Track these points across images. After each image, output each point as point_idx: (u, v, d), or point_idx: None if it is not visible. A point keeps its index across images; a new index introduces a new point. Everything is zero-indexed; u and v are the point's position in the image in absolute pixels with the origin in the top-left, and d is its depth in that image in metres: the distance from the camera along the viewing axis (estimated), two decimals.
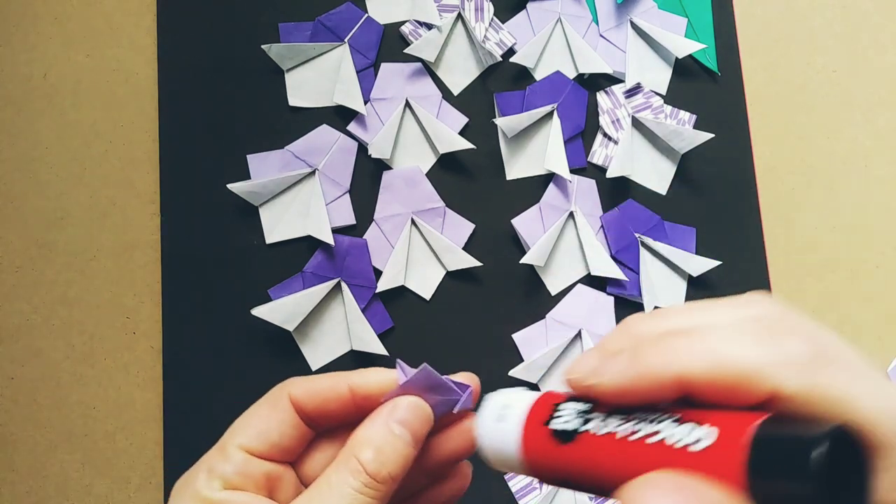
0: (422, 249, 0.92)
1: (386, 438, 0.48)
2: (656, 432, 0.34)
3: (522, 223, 0.92)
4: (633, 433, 0.35)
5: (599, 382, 0.38)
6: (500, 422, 0.45)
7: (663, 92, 0.97)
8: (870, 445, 0.31)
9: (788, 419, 0.31)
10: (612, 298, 0.93)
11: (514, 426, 0.44)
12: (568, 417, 0.40)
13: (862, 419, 0.31)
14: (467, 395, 0.50)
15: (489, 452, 0.46)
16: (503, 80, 0.95)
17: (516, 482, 0.89)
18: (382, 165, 0.92)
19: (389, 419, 0.48)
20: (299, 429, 0.52)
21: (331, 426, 0.53)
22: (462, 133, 0.93)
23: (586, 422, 0.39)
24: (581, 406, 0.40)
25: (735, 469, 0.31)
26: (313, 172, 0.91)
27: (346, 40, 0.92)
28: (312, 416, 0.52)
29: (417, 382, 0.49)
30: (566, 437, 0.39)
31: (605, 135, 0.95)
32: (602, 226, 0.94)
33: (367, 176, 0.92)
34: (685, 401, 0.35)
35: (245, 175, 0.90)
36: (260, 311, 0.85)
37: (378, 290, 0.89)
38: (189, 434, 0.89)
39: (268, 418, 0.52)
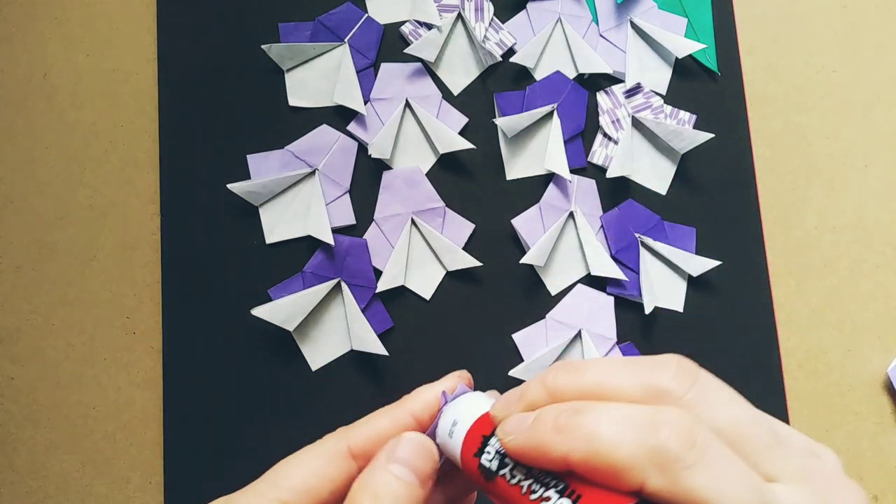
0: (422, 249, 0.92)
1: (384, 482, 0.46)
2: (547, 498, 0.39)
3: (522, 223, 0.92)
4: (532, 491, 0.40)
5: (503, 441, 0.42)
6: (450, 437, 0.46)
7: (663, 92, 0.97)
8: None
9: None
10: (612, 298, 0.93)
11: (457, 449, 0.47)
12: (490, 456, 0.44)
13: None
14: None
15: (449, 460, 0.48)
16: (503, 80, 0.95)
17: None
18: (382, 165, 0.92)
19: (388, 461, 0.47)
20: (350, 484, 0.49)
21: None
22: (462, 133, 0.93)
23: (503, 465, 0.42)
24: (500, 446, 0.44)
25: None
26: (313, 172, 0.91)
27: (346, 40, 0.92)
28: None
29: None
30: (488, 475, 0.43)
31: (605, 135, 0.95)
32: (602, 226, 0.94)
33: (367, 176, 0.92)
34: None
35: (245, 175, 0.91)
36: (260, 312, 0.85)
37: (378, 290, 0.89)
38: (189, 434, 0.89)
39: (320, 473, 0.49)
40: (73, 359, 0.90)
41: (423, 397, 0.51)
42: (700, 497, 0.33)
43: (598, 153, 0.94)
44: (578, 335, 0.92)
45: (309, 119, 0.92)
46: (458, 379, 0.53)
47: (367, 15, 0.93)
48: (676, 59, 0.97)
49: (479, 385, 0.89)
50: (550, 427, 0.39)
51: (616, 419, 0.37)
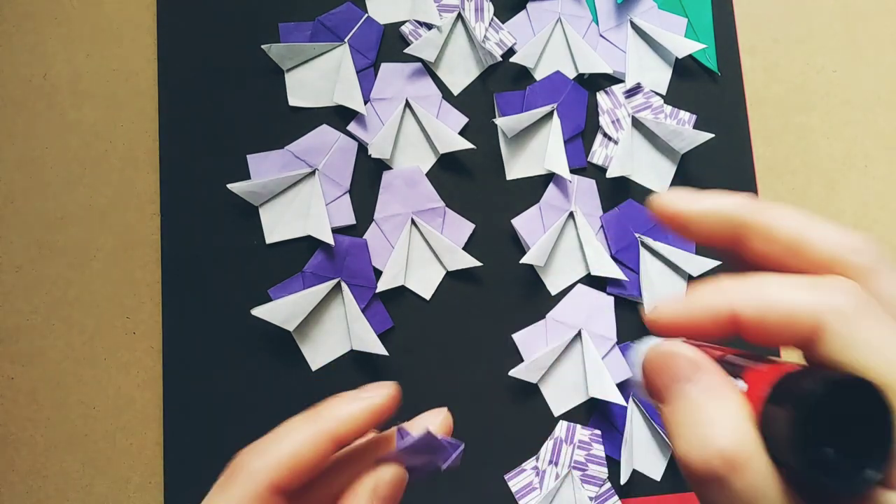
0: (422, 249, 0.92)
1: None
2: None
3: (522, 223, 0.92)
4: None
5: (659, 313, 0.39)
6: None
7: (663, 92, 0.97)
8: None
9: (817, 371, 0.32)
10: (611, 298, 0.93)
11: None
12: None
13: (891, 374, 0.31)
14: (458, 453, 0.49)
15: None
16: (503, 80, 0.95)
17: (516, 482, 0.89)
18: (382, 165, 0.92)
19: (374, 499, 0.46)
20: None
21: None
22: (462, 133, 0.93)
23: None
24: None
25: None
26: (313, 172, 0.91)
27: (346, 40, 0.92)
28: (300, 488, 0.48)
29: (414, 447, 0.48)
30: None
31: (605, 135, 0.95)
32: (602, 226, 0.94)
33: (367, 176, 0.92)
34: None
35: (245, 175, 0.91)
36: (260, 312, 0.85)
37: (378, 290, 0.89)
38: (189, 434, 0.88)
39: None
40: (73, 359, 0.90)
41: (341, 414, 0.50)
42: (878, 349, 0.31)
43: (598, 153, 0.94)
44: (578, 335, 0.92)
45: (309, 119, 0.92)
46: (385, 398, 0.51)
47: (367, 15, 0.93)
48: (676, 59, 0.97)
49: (476, 385, 0.89)
50: (712, 289, 0.37)
51: (789, 279, 0.35)
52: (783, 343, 0.34)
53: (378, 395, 0.51)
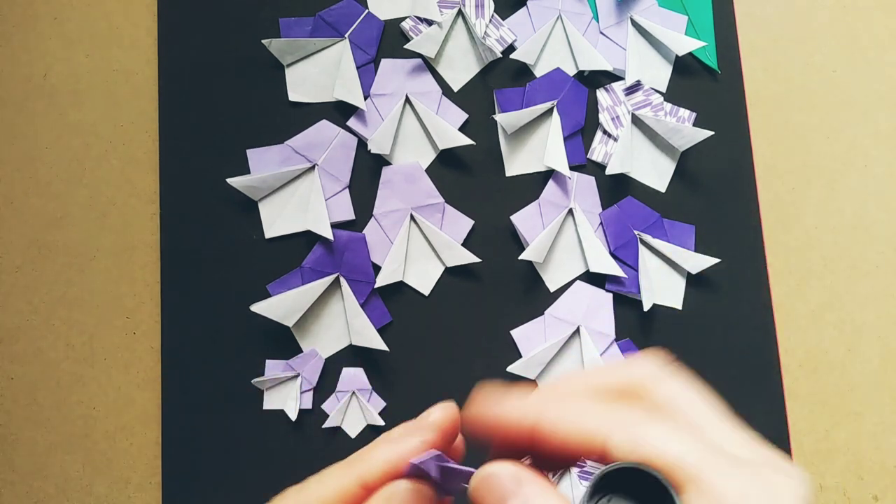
0: (421, 245, 0.92)
1: None
2: None
3: (522, 220, 0.92)
4: None
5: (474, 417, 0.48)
6: None
7: (663, 89, 0.97)
8: (676, 481, 0.38)
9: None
10: (610, 295, 0.93)
11: None
12: None
13: (669, 462, 0.38)
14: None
15: None
16: (503, 77, 0.95)
17: None
18: (382, 161, 0.92)
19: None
20: None
21: None
22: (462, 129, 0.93)
23: None
24: None
25: None
26: (313, 167, 0.91)
27: (346, 36, 0.92)
28: None
29: (426, 466, 0.47)
30: None
31: (605, 132, 0.95)
32: (601, 223, 0.94)
33: (367, 171, 0.92)
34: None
35: (245, 170, 0.91)
36: (259, 308, 0.85)
37: (377, 286, 0.89)
38: (189, 434, 0.88)
39: None
40: (73, 359, 0.90)
41: (373, 461, 0.49)
42: (654, 446, 0.38)
43: (598, 150, 0.94)
44: (577, 332, 0.92)
45: (309, 114, 0.92)
46: (423, 444, 0.51)
47: (367, 11, 0.93)
48: (676, 56, 0.97)
49: (474, 381, 0.89)
50: (519, 405, 0.44)
51: (587, 406, 0.41)
52: (580, 455, 0.41)
53: (418, 437, 0.50)
